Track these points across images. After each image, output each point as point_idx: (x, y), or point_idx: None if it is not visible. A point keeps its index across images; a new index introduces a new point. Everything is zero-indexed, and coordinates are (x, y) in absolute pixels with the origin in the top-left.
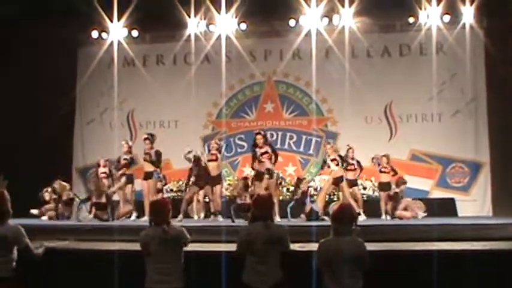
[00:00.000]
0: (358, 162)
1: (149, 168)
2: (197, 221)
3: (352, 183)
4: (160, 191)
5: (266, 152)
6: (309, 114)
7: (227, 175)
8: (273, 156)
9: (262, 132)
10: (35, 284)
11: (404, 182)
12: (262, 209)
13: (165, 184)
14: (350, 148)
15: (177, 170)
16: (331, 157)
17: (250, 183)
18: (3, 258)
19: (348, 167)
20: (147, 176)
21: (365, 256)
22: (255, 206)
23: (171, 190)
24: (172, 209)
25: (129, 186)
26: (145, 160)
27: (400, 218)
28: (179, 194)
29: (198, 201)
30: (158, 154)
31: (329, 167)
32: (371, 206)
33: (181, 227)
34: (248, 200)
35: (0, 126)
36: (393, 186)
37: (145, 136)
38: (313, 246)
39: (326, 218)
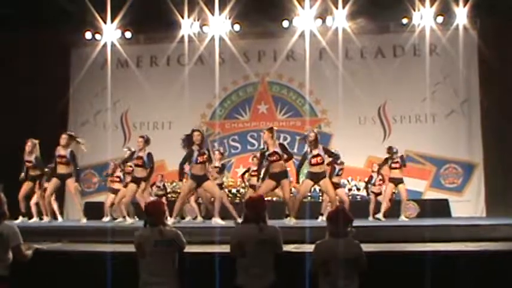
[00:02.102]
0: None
1: (140, 174)
2: (190, 222)
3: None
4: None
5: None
6: (302, 115)
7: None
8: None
9: (200, 130)
10: (28, 286)
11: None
12: (254, 210)
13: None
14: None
15: (171, 171)
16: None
17: None
18: (1, 256)
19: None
20: (138, 180)
21: (361, 257)
22: (247, 207)
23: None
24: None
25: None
26: (137, 165)
27: None
28: (173, 195)
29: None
30: (151, 157)
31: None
32: (365, 208)
33: (177, 230)
34: None
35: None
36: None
37: (142, 135)
38: (307, 248)
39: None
